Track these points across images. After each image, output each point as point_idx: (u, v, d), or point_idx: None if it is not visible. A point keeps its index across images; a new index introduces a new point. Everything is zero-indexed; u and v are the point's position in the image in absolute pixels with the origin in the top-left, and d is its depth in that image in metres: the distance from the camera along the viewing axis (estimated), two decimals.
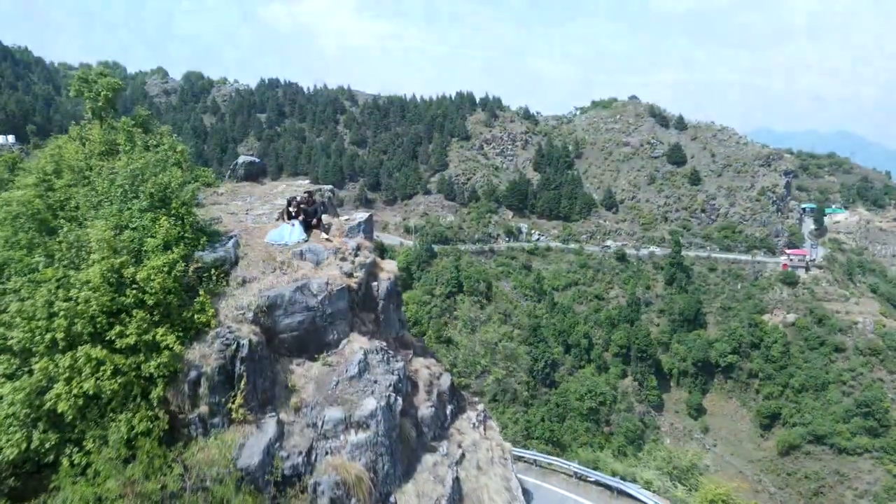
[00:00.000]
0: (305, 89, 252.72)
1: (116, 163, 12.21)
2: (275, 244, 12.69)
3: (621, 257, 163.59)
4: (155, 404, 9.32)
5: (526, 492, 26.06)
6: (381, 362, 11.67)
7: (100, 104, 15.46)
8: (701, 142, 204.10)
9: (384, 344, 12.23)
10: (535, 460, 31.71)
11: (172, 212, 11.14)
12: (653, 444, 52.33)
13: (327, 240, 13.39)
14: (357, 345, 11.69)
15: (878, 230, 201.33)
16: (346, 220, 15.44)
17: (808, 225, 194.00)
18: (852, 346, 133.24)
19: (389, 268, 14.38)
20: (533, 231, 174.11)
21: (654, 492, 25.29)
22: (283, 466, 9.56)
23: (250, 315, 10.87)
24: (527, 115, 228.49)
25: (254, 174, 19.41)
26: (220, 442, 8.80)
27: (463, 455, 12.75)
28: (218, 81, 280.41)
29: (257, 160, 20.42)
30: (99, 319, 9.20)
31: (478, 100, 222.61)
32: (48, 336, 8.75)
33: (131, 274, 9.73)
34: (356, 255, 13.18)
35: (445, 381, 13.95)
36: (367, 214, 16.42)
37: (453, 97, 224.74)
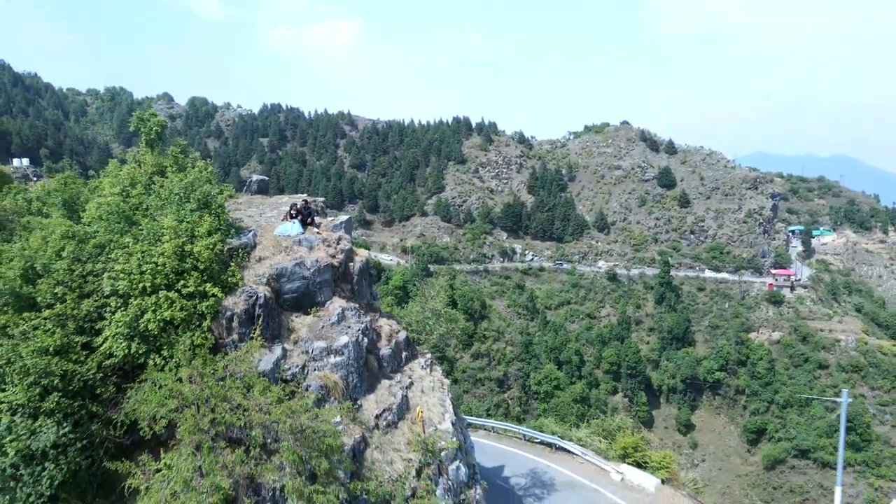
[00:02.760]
0: (307, 114, 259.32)
1: (173, 178, 17.61)
2: (281, 236, 17.99)
3: (612, 277, 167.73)
4: (205, 330, 14.15)
5: (485, 450, 30.94)
6: (354, 316, 16.59)
7: (152, 136, 20.94)
8: (690, 165, 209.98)
9: (356, 305, 17.16)
10: (493, 427, 38.05)
11: (212, 211, 16.33)
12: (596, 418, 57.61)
13: (318, 233, 18.57)
14: (337, 304, 16.65)
15: (865, 252, 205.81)
16: (332, 220, 20.78)
17: (797, 246, 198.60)
18: (835, 363, 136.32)
19: (362, 254, 19.55)
20: (527, 251, 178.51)
21: (582, 446, 30.50)
22: (287, 373, 14.44)
23: (264, 280, 15.94)
24: (521, 140, 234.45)
25: (263, 189, 25.12)
26: (246, 353, 13.72)
27: (412, 383, 17.65)
28: (222, 106, 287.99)
29: (266, 178, 26.17)
30: (171, 276, 14.23)
31: (474, 124, 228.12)
32: (140, 285, 13.71)
33: (189, 249, 14.75)
34: (338, 244, 18.31)
35: (402, 335, 18.89)
36: (347, 217, 21.73)
37: (450, 122, 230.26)
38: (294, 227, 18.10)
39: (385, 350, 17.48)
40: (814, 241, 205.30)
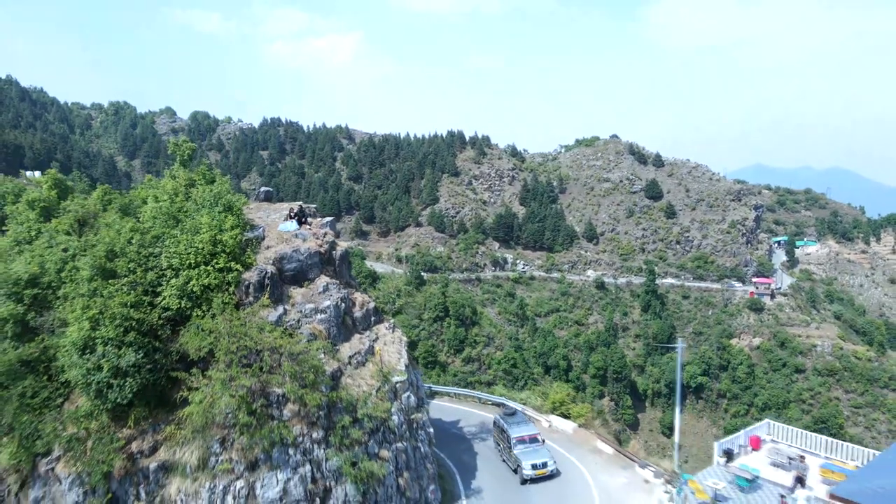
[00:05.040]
0: (305, 128, 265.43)
1: (204, 189, 24.05)
2: (282, 231, 24.38)
3: (600, 286, 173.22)
4: (231, 293, 20.27)
5: (445, 410, 36.99)
6: (335, 288, 22.77)
7: (184, 158, 27.40)
8: (676, 178, 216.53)
9: (337, 282, 23.38)
10: (455, 393, 44.29)
11: (234, 213, 22.62)
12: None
13: (309, 229, 24.91)
14: (323, 280, 22.86)
15: (847, 262, 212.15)
16: (320, 220, 27.21)
17: (781, 256, 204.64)
18: (811, 368, 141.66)
19: (343, 245, 25.84)
20: (518, 261, 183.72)
21: (524, 404, 36.85)
22: (286, 324, 20.57)
23: (271, 261, 22.18)
24: (514, 153, 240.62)
25: (269, 198, 31.71)
26: (259, 309, 19.91)
27: (377, 338, 23.78)
28: (223, 120, 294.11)
29: (270, 189, 32.92)
30: (207, 256, 20.30)
31: (467, 138, 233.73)
32: (187, 262, 19.92)
33: (219, 238, 20.86)
34: (325, 237, 24.66)
35: (372, 304, 25.07)
36: (331, 218, 28.10)
37: (444, 136, 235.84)
38: (292, 224, 24.51)
39: (358, 314, 23.77)
40: (798, 252, 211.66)
